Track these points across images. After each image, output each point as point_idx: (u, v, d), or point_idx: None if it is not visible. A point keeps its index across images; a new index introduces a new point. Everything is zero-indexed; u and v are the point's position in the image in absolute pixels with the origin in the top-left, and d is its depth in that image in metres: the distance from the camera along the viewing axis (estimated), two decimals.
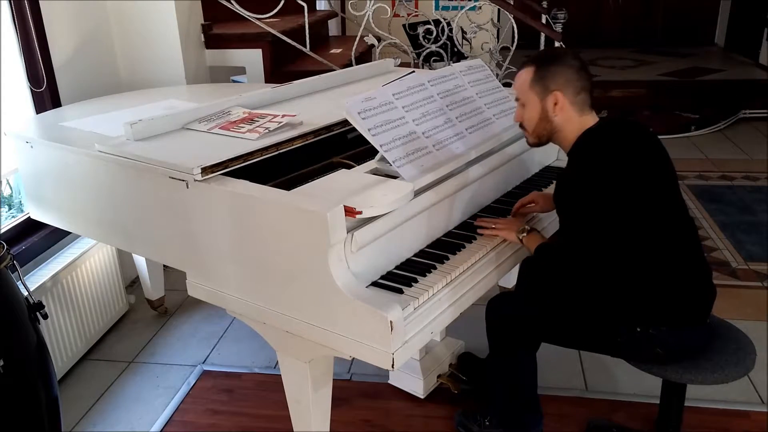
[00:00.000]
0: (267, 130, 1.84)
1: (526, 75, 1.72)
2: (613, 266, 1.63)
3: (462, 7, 3.50)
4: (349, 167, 1.78)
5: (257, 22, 3.28)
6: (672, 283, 1.66)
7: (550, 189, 2.17)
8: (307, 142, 1.87)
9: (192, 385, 2.46)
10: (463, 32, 3.70)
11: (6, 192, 2.58)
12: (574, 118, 1.69)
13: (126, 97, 2.69)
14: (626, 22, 7.73)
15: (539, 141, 1.77)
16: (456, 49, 3.55)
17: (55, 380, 1.85)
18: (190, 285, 1.77)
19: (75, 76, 2.79)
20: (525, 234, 1.79)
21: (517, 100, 1.77)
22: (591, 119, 1.71)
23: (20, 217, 2.53)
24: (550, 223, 2.03)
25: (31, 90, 2.60)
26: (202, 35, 3.32)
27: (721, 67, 6.45)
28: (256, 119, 1.94)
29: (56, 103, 2.69)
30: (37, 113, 2.58)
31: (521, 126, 1.79)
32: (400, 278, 1.58)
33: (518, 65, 3.65)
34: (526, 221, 1.91)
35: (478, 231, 1.83)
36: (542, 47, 3.54)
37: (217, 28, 3.41)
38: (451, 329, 2.37)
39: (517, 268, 2.09)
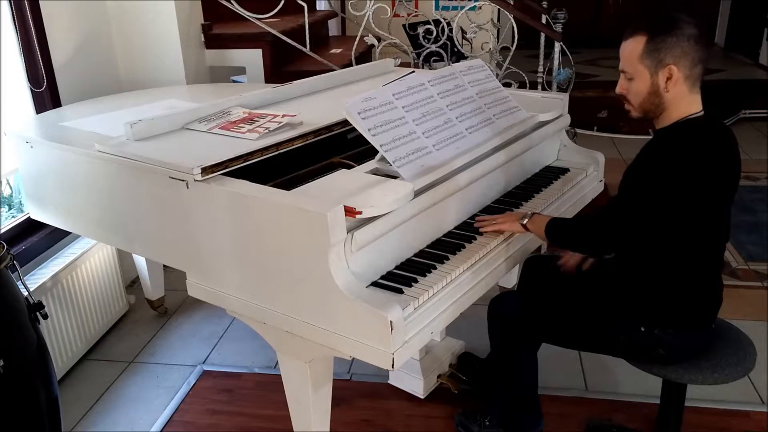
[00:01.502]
0: (267, 130, 1.84)
1: (635, 45, 1.57)
2: (640, 259, 1.61)
3: (462, 7, 3.49)
4: (349, 167, 1.78)
5: (257, 22, 3.28)
6: (687, 288, 1.66)
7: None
8: (307, 142, 1.87)
9: (192, 385, 2.46)
10: (463, 32, 3.70)
11: (6, 192, 2.58)
12: (684, 96, 1.57)
13: (126, 97, 2.69)
14: (626, 22, 7.69)
15: (645, 116, 1.63)
16: (456, 49, 3.54)
17: (55, 380, 1.85)
18: (190, 285, 1.77)
19: (75, 76, 2.79)
20: (527, 219, 1.77)
21: (621, 72, 1.63)
22: (696, 103, 1.59)
23: (20, 217, 2.53)
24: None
25: (31, 90, 2.59)
26: (202, 35, 3.32)
27: (721, 67, 6.44)
28: (256, 119, 1.94)
29: (56, 103, 2.69)
30: (37, 113, 2.58)
31: (623, 98, 1.65)
32: (400, 278, 1.58)
33: (518, 65, 3.66)
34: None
35: (480, 229, 1.81)
36: (542, 47, 3.54)
37: (217, 28, 3.41)
38: (451, 329, 2.36)
39: (517, 268, 2.09)
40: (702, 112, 1.60)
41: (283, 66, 3.54)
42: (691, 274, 1.65)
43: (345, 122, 1.81)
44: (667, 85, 1.55)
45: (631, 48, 1.58)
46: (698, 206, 1.55)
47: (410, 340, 1.45)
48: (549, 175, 2.29)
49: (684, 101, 1.58)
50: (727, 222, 1.68)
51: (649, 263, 1.63)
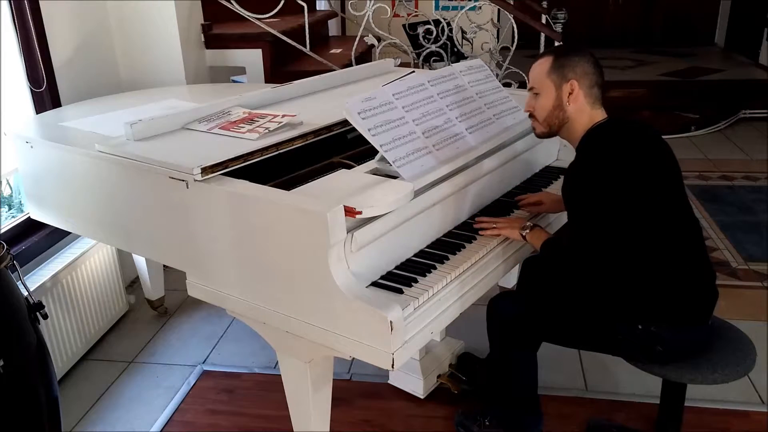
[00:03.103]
0: (267, 130, 1.84)
1: (544, 64, 1.74)
2: (618, 263, 1.63)
3: (462, 7, 3.50)
4: (349, 167, 1.78)
5: (257, 22, 3.28)
6: (675, 282, 1.67)
7: (555, 189, 2.17)
8: (307, 142, 1.87)
9: (192, 385, 2.46)
10: (463, 32, 3.70)
11: (6, 192, 2.58)
12: (585, 110, 1.71)
13: (126, 97, 2.69)
14: (626, 22, 7.73)
15: (549, 131, 1.78)
16: (456, 49, 3.55)
17: (55, 380, 1.85)
18: (190, 285, 1.77)
19: (75, 76, 2.79)
20: (528, 231, 1.79)
21: (530, 89, 1.78)
22: (600, 114, 1.73)
23: (20, 217, 2.53)
24: (554, 219, 2.03)
25: (31, 90, 2.59)
26: (202, 35, 3.32)
27: (721, 67, 6.44)
28: (256, 119, 1.94)
29: (56, 103, 2.69)
30: (37, 113, 2.58)
31: (531, 116, 1.80)
32: (400, 278, 1.58)
33: (518, 65, 3.67)
34: (528, 219, 1.91)
35: (480, 232, 1.83)
36: (542, 47, 3.54)
37: (217, 28, 3.41)
38: (451, 329, 2.36)
39: (517, 268, 2.09)
40: (607, 118, 1.73)
41: (283, 66, 3.54)
42: (670, 268, 1.65)
43: (345, 122, 1.81)
44: (569, 99, 1.71)
45: (541, 66, 1.75)
46: (641, 197, 1.58)
47: (410, 340, 1.45)
48: (549, 175, 2.29)
49: (585, 114, 1.72)
50: (689, 210, 1.73)
51: (628, 264, 1.64)
